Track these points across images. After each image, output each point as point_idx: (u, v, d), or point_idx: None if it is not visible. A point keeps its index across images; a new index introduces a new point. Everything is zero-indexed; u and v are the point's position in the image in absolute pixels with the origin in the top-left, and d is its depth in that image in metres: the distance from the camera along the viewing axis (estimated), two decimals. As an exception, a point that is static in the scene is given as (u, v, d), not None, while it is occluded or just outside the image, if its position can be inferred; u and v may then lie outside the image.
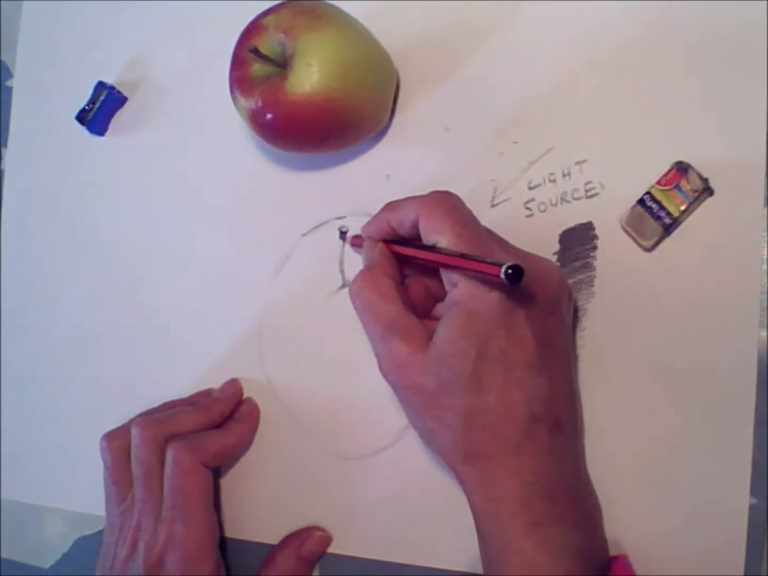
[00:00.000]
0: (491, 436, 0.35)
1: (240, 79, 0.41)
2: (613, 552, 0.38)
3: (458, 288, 0.35)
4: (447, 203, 0.37)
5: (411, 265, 0.40)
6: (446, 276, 0.36)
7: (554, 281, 0.36)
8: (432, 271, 0.38)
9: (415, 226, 0.37)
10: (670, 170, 0.39)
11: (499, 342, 0.34)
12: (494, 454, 0.35)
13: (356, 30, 0.42)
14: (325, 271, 0.46)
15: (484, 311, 0.34)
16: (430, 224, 0.36)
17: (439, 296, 0.39)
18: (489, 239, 0.36)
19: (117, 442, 0.45)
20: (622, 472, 0.39)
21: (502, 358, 0.34)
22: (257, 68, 0.41)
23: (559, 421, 0.36)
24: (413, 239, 0.38)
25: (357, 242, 0.43)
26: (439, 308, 0.39)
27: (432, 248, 0.36)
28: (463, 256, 0.34)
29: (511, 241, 0.38)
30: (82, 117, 0.51)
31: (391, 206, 0.39)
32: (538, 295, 0.35)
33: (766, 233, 0.38)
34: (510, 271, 0.31)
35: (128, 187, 0.52)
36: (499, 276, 0.31)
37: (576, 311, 0.40)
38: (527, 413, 0.35)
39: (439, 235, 0.36)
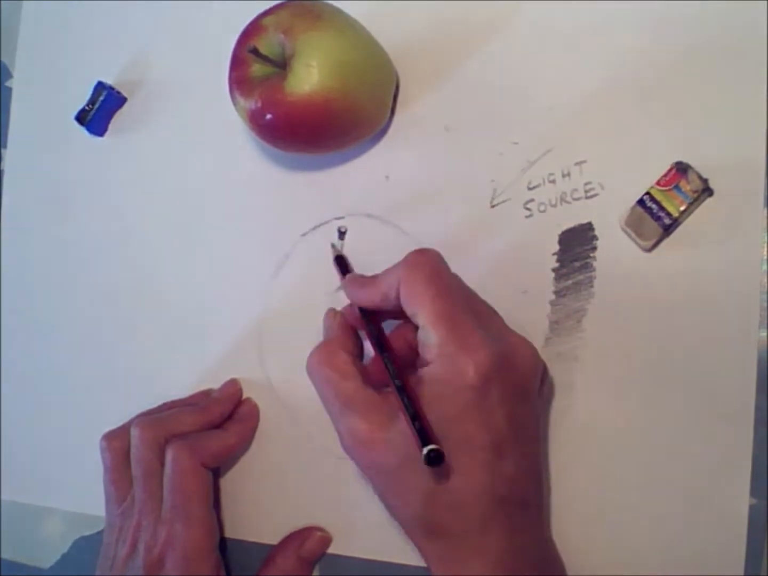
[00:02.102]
0: (455, 516, 0.34)
1: (239, 80, 0.41)
2: (613, 550, 0.38)
3: (430, 368, 0.35)
4: (427, 267, 0.36)
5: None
6: (421, 349, 0.36)
7: (528, 366, 0.36)
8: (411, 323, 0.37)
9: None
10: (669, 170, 0.39)
11: (466, 425, 0.34)
12: (458, 533, 0.34)
13: (356, 30, 0.42)
14: (325, 271, 0.46)
15: (454, 393, 0.34)
16: (410, 293, 0.36)
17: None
18: (466, 313, 0.35)
19: (117, 442, 0.45)
20: (621, 472, 0.39)
21: (468, 441, 0.34)
22: (257, 68, 0.41)
23: (525, 500, 0.35)
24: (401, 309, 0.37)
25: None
26: (411, 379, 0.37)
27: (385, 340, 0.37)
28: (409, 396, 0.34)
29: (510, 242, 0.38)
30: (81, 117, 0.51)
31: (373, 279, 0.38)
32: (511, 380, 0.35)
33: (766, 233, 0.38)
34: (432, 454, 0.32)
35: (127, 187, 0.51)
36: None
37: (552, 387, 0.40)
38: (492, 494, 0.34)
39: (418, 308, 0.35)
